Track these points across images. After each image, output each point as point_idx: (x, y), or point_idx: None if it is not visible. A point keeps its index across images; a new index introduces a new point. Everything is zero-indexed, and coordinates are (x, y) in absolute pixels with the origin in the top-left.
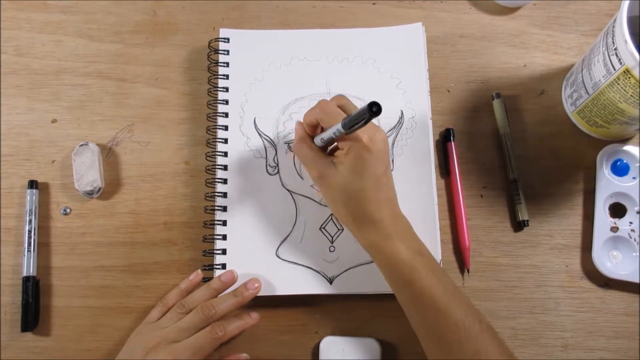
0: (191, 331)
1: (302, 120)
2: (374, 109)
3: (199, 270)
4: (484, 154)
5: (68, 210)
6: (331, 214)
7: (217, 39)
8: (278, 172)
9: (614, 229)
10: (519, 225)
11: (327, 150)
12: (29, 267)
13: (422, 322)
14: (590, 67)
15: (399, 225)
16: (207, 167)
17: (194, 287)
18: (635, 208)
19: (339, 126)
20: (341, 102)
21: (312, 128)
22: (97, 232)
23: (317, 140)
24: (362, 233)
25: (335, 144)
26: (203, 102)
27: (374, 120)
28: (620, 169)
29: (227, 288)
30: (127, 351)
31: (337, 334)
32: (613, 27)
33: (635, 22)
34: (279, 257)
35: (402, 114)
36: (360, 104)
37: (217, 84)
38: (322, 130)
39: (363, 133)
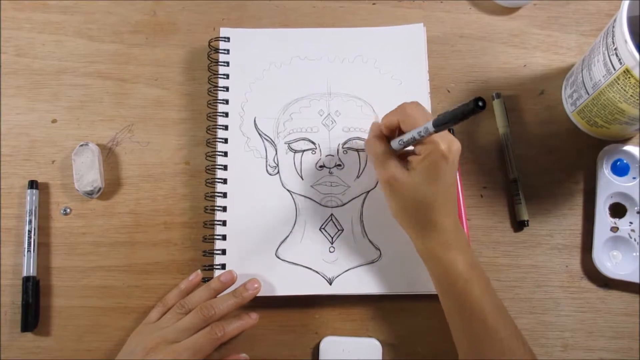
0: (191, 332)
1: (377, 121)
2: (480, 103)
3: (199, 271)
4: (484, 154)
5: (68, 210)
6: (331, 214)
7: (217, 38)
8: (278, 172)
9: (614, 229)
10: (519, 225)
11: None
12: (29, 267)
13: (468, 335)
14: (590, 67)
15: (459, 236)
16: (207, 167)
17: (194, 287)
18: (636, 208)
19: (428, 124)
20: (419, 107)
21: (389, 131)
22: (97, 232)
23: (395, 143)
24: (423, 239)
25: (409, 148)
26: (203, 102)
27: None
28: (620, 169)
29: (227, 288)
30: (126, 351)
31: (337, 334)
32: (613, 27)
33: (635, 22)
34: (279, 258)
35: None
36: (360, 104)
37: (217, 83)
38: (399, 134)
39: (442, 141)
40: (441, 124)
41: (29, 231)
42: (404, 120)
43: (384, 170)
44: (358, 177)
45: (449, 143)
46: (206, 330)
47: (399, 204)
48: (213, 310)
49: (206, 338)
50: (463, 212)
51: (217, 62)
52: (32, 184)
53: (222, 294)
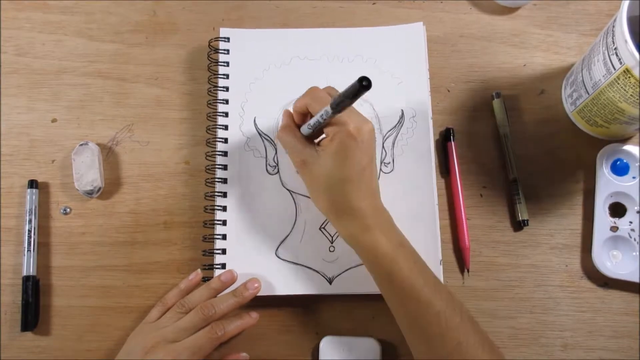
0: (191, 331)
1: (290, 110)
2: (364, 82)
3: (199, 270)
4: (484, 154)
5: (68, 209)
6: None
7: (217, 38)
8: (278, 171)
9: (614, 228)
10: (518, 225)
11: (315, 141)
12: (28, 266)
13: (404, 314)
14: (590, 66)
15: (380, 217)
16: (207, 167)
17: (194, 286)
18: (635, 207)
19: (327, 107)
20: (332, 92)
21: (301, 116)
22: (97, 232)
23: (304, 128)
24: (342, 222)
25: (323, 136)
26: (203, 102)
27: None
28: (620, 169)
29: (227, 288)
30: (126, 351)
31: (337, 333)
32: (613, 26)
33: (635, 21)
34: (279, 257)
35: (402, 113)
36: (359, 102)
37: (217, 83)
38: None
39: (350, 121)
40: (336, 104)
41: (29, 231)
42: (310, 104)
43: (297, 157)
44: None
45: (358, 123)
46: (206, 330)
47: (314, 188)
48: (213, 310)
49: (206, 337)
50: (463, 211)
51: (217, 62)
52: (32, 184)
53: (222, 293)
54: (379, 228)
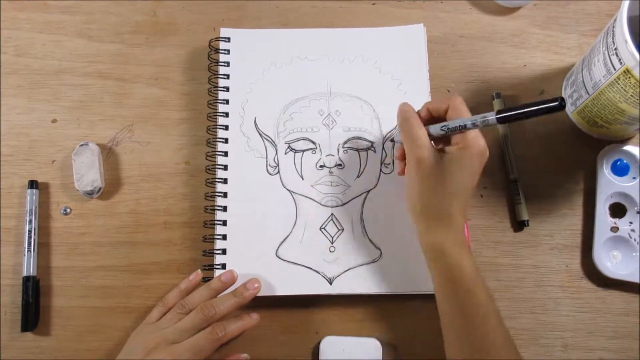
0: (191, 332)
1: (407, 102)
2: (562, 103)
3: (199, 270)
4: None
5: (68, 210)
6: (331, 214)
7: (218, 39)
8: (278, 172)
9: (614, 229)
10: (519, 225)
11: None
12: (29, 267)
13: (465, 338)
14: (591, 67)
15: (465, 241)
16: (207, 167)
17: (194, 287)
18: (636, 208)
19: (488, 115)
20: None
21: (429, 115)
22: (97, 232)
23: (435, 128)
24: (434, 232)
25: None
26: (203, 102)
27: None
28: (620, 169)
29: (227, 288)
30: (127, 351)
31: (337, 334)
32: (613, 27)
33: (636, 22)
34: (279, 257)
35: None
36: (361, 104)
37: (217, 83)
38: (436, 121)
39: (482, 140)
40: (507, 116)
41: (29, 231)
42: (454, 107)
43: (418, 149)
44: (358, 176)
45: (486, 144)
46: (207, 331)
47: (420, 187)
48: (214, 310)
49: (207, 338)
50: None
51: (217, 62)
52: (32, 184)
53: (222, 293)
54: (466, 248)
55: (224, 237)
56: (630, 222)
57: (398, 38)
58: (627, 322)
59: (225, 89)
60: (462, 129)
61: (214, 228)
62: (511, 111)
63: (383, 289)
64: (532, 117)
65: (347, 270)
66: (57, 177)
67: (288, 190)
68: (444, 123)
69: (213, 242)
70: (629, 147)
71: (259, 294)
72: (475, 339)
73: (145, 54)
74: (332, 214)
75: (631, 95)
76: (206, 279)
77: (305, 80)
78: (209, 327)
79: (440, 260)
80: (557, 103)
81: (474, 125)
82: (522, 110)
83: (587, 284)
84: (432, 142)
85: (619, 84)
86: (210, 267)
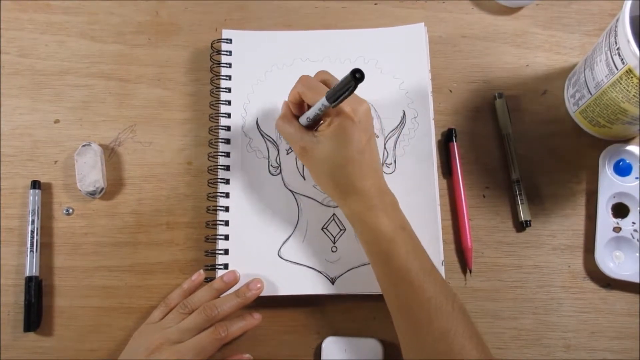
0: (194, 332)
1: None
2: (357, 75)
3: (201, 271)
4: (486, 154)
5: (70, 210)
6: (333, 214)
7: (220, 40)
8: (280, 172)
9: (617, 229)
10: (521, 226)
11: (314, 129)
12: (31, 267)
13: (395, 296)
14: (593, 66)
15: (384, 198)
16: (210, 168)
17: (197, 287)
18: (638, 208)
19: (323, 100)
20: (324, 77)
21: (297, 107)
22: (99, 232)
23: (303, 119)
24: (347, 202)
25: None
26: (205, 103)
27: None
28: (622, 169)
29: (230, 288)
30: (129, 351)
31: (339, 334)
32: (615, 26)
33: (638, 21)
34: (281, 258)
35: (404, 114)
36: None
37: (219, 84)
38: (308, 108)
39: (346, 105)
40: (334, 98)
41: (32, 231)
42: (304, 92)
43: (297, 145)
44: None
45: (353, 104)
46: (209, 331)
47: (317, 171)
48: (216, 310)
49: (209, 338)
50: (465, 212)
51: (219, 63)
52: (35, 184)
53: (224, 294)
54: (382, 208)
55: (226, 237)
56: (633, 223)
57: (399, 38)
58: (630, 322)
59: (227, 90)
60: (318, 115)
61: (216, 228)
62: (334, 92)
63: None
64: (348, 92)
65: (349, 270)
66: (60, 178)
67: (290, 190)
68: (305, 114)
69: (215, 242)
70: (631, 147)
71: (261, 294)
72: (400, 294)
73: (147, 55)
74: (334, 214)
75: (633, 95)
76: (208, 279)
77: None
78: (212, 327)
79: (358, 226)
80: (358, 75)
81: (322, 111)
82: (337, 88)
83: (589, 285)
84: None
85: (621, 83)
86: (213, 268)
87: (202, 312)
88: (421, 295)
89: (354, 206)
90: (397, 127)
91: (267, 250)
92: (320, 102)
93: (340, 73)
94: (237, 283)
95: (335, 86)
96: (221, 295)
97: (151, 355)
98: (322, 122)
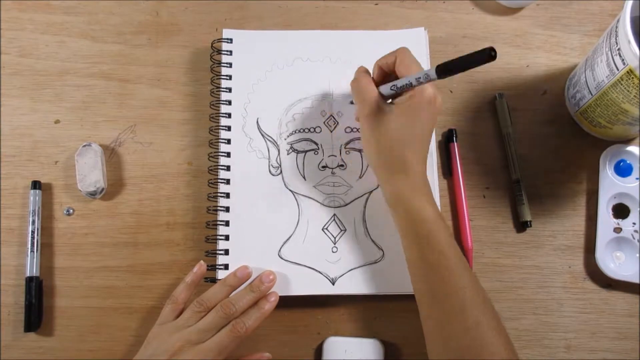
0: (213, 331)
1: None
2: (492, 53)
3: (202, 262)
4: (487, 155)
5: (71, 210)
6: (334, 215)
7: (220, 40)
8: (281, 172)
9: (617, 229)
10: (521, 226)
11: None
12: (32, 267)
13: (429, 281)
14: (594, 67)
15: (428, 186)
16: (210, 168)
17: (199, 278)
18: (638, 209)
19: (429, 71)
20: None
21: (383, 73)
22: (99, 233)
23: (386, 88)
24: (394, 179)
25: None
26: (206, 103)
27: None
28: (623, 170)
29: (242, 284)
30: (147, 354)
31: (339, 334)
32: (616, 27)
33: (639, 22)
34: (282, 258)
35: None
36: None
37: (220, 84)
38: (388, 79)
39: (430, 87)
40: (447, 70)
41: (32, 231)
42: (402, 61)
43: (367, 106)
44: (360, 177)
45: (436, 91)
46: (228, 329)
47: (376, 140)
48: (234, 308)
49: (230, 336)
50: (465, 212)
51: (219, 63)
52: (35, 185)
53: (236, 290)
54: (425, 193)
55: (227, 237)
56: (634, 223)
57: (400, 41)
58: (631, 323)
59: (227, 90)
60: (409, 86)
61: (216, 229)
62: (449, 65)
63: (385, 289)
64: (469, 69)
65: (349, 270)
66: (60, 178)
67: (290, 190)
68: (392, 82)
69: (216, 242)
70: (632, 148)
71: None
72: (436, 280)
73: (147, 55)
74: (334, 215)
75: (634, 96)
76: (209, 280)
77: (307, 81)
78: (229, 324)
79: (400, 207)
80: (487, 53)
81: (419, 82)
82: (458, 62)
83: (590, 285)
84: (388, 99)
85: (622, 84)
86: (213, 268)
87: (220, 311)
88: (457, 282)
89: (399, 184)
90: None
91: (267, 250)
92: (422, 72)
93: (340, 74)
94: (249, 279)
95: (454, 59)
96: (234, 292)
97: (174, 356)
98: (399, 97)
